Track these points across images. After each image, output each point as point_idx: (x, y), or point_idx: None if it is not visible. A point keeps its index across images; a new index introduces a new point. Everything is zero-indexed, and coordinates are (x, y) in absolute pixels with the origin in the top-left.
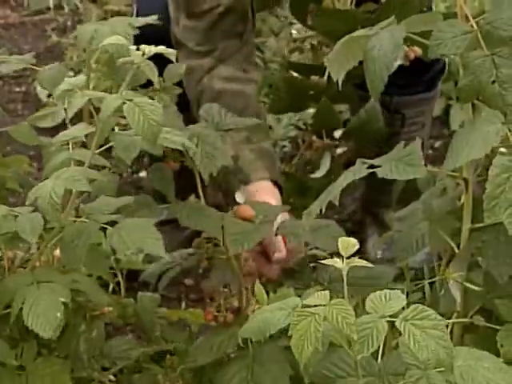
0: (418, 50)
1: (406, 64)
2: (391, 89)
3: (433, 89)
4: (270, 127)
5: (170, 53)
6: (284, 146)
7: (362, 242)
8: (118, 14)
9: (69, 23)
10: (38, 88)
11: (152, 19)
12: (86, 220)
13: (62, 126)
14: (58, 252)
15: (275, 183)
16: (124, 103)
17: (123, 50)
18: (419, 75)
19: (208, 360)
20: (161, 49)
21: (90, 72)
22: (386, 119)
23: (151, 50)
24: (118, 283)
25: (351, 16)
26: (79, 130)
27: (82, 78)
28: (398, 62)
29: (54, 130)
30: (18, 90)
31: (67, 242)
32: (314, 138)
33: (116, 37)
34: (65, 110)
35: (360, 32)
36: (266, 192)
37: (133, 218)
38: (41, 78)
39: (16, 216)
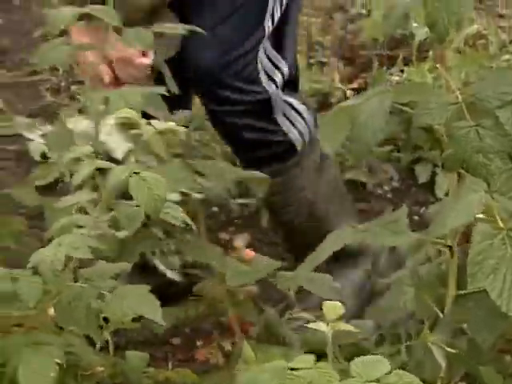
0: None
1: None
2: None
3: None
4: None
5: (180, 131)
6: None
7: None
8: None
9: (63, 84)
10: (31, 147)
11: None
12: (84, 285)
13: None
14: (51, 311)
15: None
16: (130, 176)
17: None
18: None
19: None
20: (171, 125)
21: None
22: None
23: (161, 125)
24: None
25: None
26: (82, 197)
27: (89, 147)
28: None
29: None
30: (11, 148)
31: (64, 305)
32: None
33: (129, 110)
34: (70, 176)
35: (348, 102)
36: None
37: (130, 285)
38: (49, 142)
39: (15, 278)
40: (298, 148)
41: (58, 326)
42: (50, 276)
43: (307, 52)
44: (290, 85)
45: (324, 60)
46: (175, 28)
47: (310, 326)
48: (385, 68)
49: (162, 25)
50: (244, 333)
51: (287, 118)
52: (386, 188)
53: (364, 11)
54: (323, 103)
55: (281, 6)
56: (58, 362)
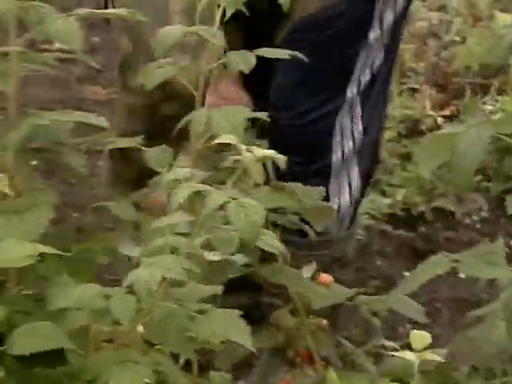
0: None
1: None
2: None
3: None
4: None
5: (280, 159)
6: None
7: None
8: None
9: None
10: None
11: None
12: (175, 305)
13: None
14: (141, 329)
15: None
16: (228, 201)
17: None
18: None
19: None
20: (271, 153)
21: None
22: None
23: (262, 153)
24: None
25: None
26: (179, 218)
27: (188, 169)
28: None
29: None
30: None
31: (155, 325)
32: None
33: (229, 136)
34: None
35: (445, 130)
36: None
37: (221, 309)
38: (148, 157)
39: (108, 295)
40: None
41: (147, 343)
42: (144, 295)
43: (400, 78)
44: (364, 153)
45: (416, 86)
46: (274, 52)
47: (396, 354)
48: (478, 96)
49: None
50: (316, 362)
51: (338, 190)
52: (475, 218)
53: (458, 38)
54: (413, 130)
55: (371, 72)
56: (147, 381)
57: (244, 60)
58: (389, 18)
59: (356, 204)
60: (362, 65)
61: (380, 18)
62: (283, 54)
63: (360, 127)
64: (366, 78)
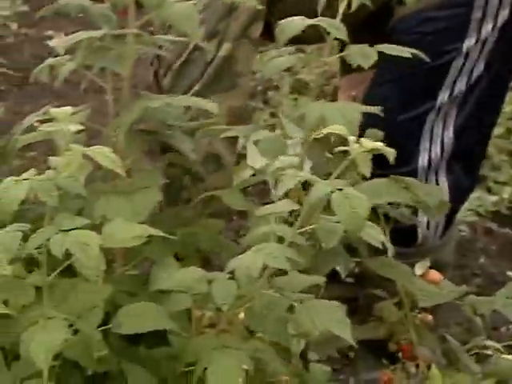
0: None
1: None
2: None
3: None
4: None
5: (389, 152)
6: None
7: None
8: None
9: (259, 88)
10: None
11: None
12: (276, 294)
13: None
14: (242, 315)
15: None
16: (333, 192)
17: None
18: None
19: None
20: (379, 145)
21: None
22: None
23: (369, 145)
24: None
25: None
26: (284, 206)
27: (295, 158)
28: None
29: None
30: None
31: (256, 312)
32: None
33: (339, 127)
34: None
35: None
36: None
37: (321, 300)
38: (262, 148)
39: (210, 280)
40: (419, 238)
41: (248, 330)
42: (245, 282)
43: None
44: (455, 163)
45: None
46: (394, 49)
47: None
48: None
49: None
50: (418, 358)
51: None
52: None
53: None
54: None
55: (468, 82)
56: (246, 367)
57: (364, 55)
58: (487, 28)
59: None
60: (457, 72)
61: (478, 27)
62: (402, 51)
63: (451, 135)
64: (461, 86)
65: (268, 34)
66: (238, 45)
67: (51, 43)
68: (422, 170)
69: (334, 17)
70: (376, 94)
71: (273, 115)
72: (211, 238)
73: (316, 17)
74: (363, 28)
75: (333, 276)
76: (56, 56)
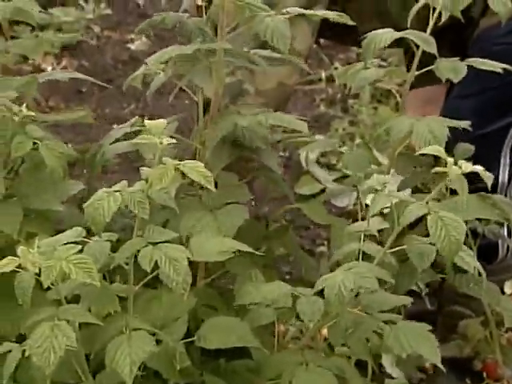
0: None
1: None
2: None
3: None
4: None
5: (487, 177)
6: None
7: None
8: None
9: (338, 96)
10: (302, 155)
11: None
12: (363, 313)
13: None
14: (325, 332)
15: None
16: (429, 214)
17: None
18: None
19: None
20: (479, 169)
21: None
22: None
23: (468, 167)
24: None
25: None
26: (375, 224)
27: (386, 176)
28: None
29: None
30: (281, 154)
31: (340, 330)
32: None
33: (436, 147)
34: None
35: None
36: None
37: (410, 322)
38: (346, 160)
39: (295, 296)
40: (500, 255)
41: (329, 347)
42: (334, 301)
43: None
44: None
45: None
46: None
47: None
48: None
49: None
50: (501, 378)
51: None
52: None
53: None
54: None
55: None
56: None
57: (454, 68)
58: None
59: None
60: None
61: None
62: (493, 65)
63: None
64: None
65: (335, 36)
66: (296, 24)
67: (133, 46)
68: (501, 185)
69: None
70: (457, 108)
71: (352, 123)
72: (287, 245)
73: (391, 19)
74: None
75: (411, 290)
76: (137, 60)
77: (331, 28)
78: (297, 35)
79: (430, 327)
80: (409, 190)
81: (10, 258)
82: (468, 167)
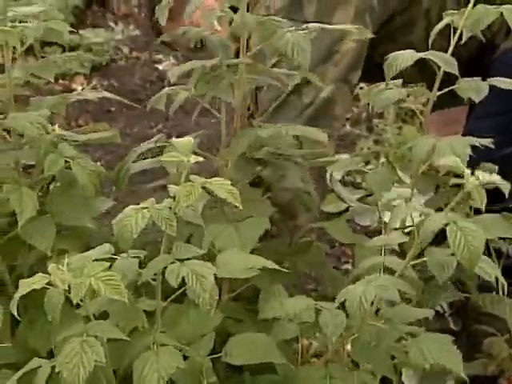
0: None
1: None
2: None
3: None
4: None
5: (504, 186)
6: None
7: None
8: None
9: (363, 115)
10: (327, 173)
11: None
12: (385, 326)
13: None
14: (348, 346)
15: None
16: (448, 224)
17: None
18: None
19: None
20: (496, 178)
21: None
22: None
23: (486, 177)
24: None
25: None
26: (395, 238)
27: (407, 190)
28: None
29: None
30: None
31: (363, 343)
32: None
33: (454, 158)
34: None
35: None
36: None
37: (432, 333)
38: (370, 180)
39: (318, 310)
40: None
41: (353, 361)
42: (355, 313)
43: None
44: None
45: None
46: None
47: None
48: None
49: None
50: None
51: None
52: None
53: None
54: None
55: None
56: None
57: (476, 88)
58: None
59: None
60: None
61: None
62: None
63: None
64: None
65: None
66: (338, 88)
67: (160, 67)
68: None
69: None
70: (479, 128)
71: (377, 142)
72: (313, 263)
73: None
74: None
75: (435, 310)
76: (165, 80)
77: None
78: (338, 100)
79: (452, 338)
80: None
81: (40, 275)
82: (485, 178)
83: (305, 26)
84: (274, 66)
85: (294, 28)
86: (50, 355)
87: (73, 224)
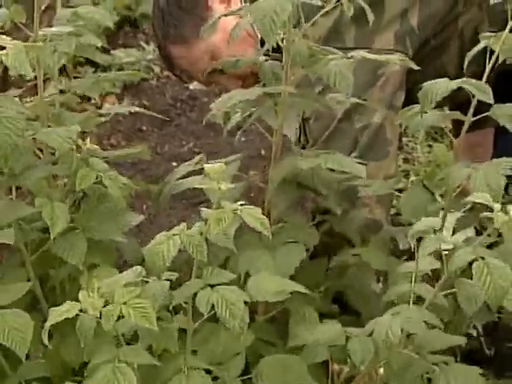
0: None
1: None
2: None
3: None
4: None
5: None
6: None
7: None
8: None
9: None
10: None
11: None
12: (414, 354)
13: None
14: (381, 371)
15: None
16: (476, 260)
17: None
18: None
19: None
20: None
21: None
22: None
23: None
24: None
25: None
26: (426, 264)
27: (437, 220)
28: None
29: None
30: None
31: (394, 369)
32: None
33: (484, 195)
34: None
35: None
36: None
37: (462, 364)
38: (403, 205)
39: (349, 337)
40: None
41: None
42: (381, 344)
43: None
44: None
45: None
46: None
47: None
48: None
49: None
50: None
51: None
52: None
53: None
54: None
55: None
56: None
57: (511, 115)
58: None
59: None
60: None
61: None
62: None
63: None
64: None
65: None
66: (388, 112)
67: (191, 86)
68: None
69: None
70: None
71: (407, 161)
72: (359, 291)
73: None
74: None
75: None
76: (196, 99)
77: None
78: (387, 124)
79: (481, 371)
80: (471, 230)
81: (71, 303)
82: None
83: (348, 54)
84: (319, 93)
85: (337, 56)
86: (83, 366)
87: (103, 238)
